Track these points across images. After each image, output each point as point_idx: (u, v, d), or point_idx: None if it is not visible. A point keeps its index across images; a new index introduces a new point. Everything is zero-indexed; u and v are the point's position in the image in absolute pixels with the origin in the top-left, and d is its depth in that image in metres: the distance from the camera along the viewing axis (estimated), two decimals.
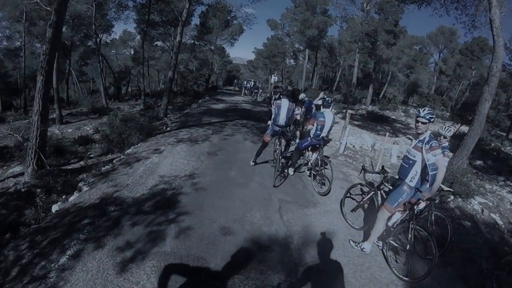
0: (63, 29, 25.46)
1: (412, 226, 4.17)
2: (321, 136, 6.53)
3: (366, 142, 13.96)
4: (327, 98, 6.62)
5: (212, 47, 37.69)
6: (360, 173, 6.15)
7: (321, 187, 6.49)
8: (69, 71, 27.26)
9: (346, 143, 11.66)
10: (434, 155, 3.86)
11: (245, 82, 36.65)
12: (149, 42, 32.75)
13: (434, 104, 30.27)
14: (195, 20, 34.29)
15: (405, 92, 48.77)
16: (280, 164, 6.44)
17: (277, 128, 6.61)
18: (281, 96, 6.88)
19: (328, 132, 6.63)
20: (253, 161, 7.34)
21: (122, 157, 7.68)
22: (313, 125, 6.59)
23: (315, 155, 6.90)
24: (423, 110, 4.02)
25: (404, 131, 22.68)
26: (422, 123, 3.99)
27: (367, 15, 25.93)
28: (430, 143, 3.93)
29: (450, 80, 45.45)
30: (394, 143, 10.81)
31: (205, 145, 8.68)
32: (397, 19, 30.14)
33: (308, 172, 7.18)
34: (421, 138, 4.10)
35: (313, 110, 12.06)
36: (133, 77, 40.83)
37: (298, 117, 10.28)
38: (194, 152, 7.84)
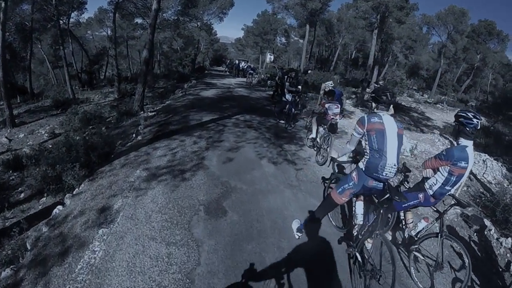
0: (22, 7, 21.35)
1: None
2: (447, 194, 3.15)
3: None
4: (475, 120, 3.03)
5: (199, 23, 33.17)
6: None
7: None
8: (30, 57, 22.66)
9: None
10: None
11: (237, 62, 32.71)
12: (128, 20, 28.60)
13: (447, 90, 27.28)
14: None
15: (405, 74, 45.61)
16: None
17: (373, 184, 3.08)
18: (374, 106, 3.21)
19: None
20: (299, 231, 3.75)
21: (44, 230, 3.90)
22: (436, 171, 3.17)
23: (423, 223, 3.48)
24: None
25: (424, 123, 19.53)
26: None
27: None
28: None
29: (450, 63, 42.63)
30: None
31: (199, 184, 4.95)
32: None
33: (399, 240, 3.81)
34: None
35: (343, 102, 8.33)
36: (112, 60, 35.81)
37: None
38: (179, 210, 4.11)
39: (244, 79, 25.09)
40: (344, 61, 51.66)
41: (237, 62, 33.14)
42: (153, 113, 10.90)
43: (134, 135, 7.53)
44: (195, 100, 13.13)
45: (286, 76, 10.09)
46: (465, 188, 7.60)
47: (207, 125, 8.63)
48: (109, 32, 38.07)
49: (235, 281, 2.93)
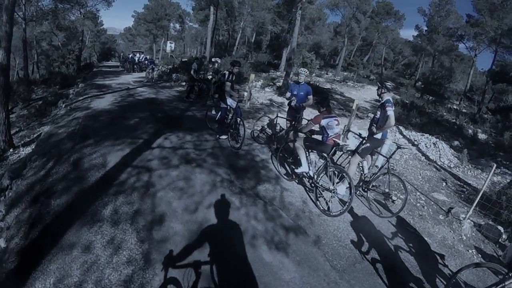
0: None
1: None
2: None
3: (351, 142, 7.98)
4: None
5: (82, 11, 27.07)
6: None
7: None
8: None
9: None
10: None
11: (130, 56, 27.61)
12: None
13: (357, 68, 27.93)
14: None
15: (314, 55, 46.23)
16: None
17: None
18: None
19: None
20: None
21: None
22: None
23: None
24: None
25: (352, 104, 18.52)
26: None
27: None
28: None
29: (346, 41, 44.81)
30: None
31: None
32: None
33: None
34: None
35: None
36: None
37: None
38: None
39: (142, 75, 21.16)
40: (243, 44, 49.76)
41: (131, 55, 27.91)
42: (27, 150, 6.76)
43: None
44: (88, 118, 8.71)
45: (228, 72, 6.95)
46: (444, 184, 7.31)
47: (120, 178, 4.95)
48: None
49: None
